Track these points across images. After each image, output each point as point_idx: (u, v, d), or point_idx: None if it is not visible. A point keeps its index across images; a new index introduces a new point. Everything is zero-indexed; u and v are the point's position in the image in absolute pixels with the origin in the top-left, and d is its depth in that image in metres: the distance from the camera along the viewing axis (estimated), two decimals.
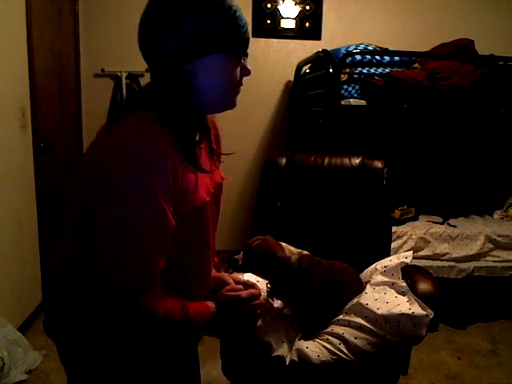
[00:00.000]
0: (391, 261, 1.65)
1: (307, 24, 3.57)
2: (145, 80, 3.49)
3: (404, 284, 1.49)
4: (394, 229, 2.56)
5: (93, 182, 0.86)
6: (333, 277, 1.54)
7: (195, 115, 0.98)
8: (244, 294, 1.06)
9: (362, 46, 2.85)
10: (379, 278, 1.61)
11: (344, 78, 2.74)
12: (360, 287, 1.60)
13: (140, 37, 0.94)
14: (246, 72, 1.00)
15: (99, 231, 0.85)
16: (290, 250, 1.48)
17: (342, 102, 2.66)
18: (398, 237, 2.72)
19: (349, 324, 1.45)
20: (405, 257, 1.60)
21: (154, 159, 0.82)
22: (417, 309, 1.38)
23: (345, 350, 1.40)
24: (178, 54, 0.89)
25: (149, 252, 0.84)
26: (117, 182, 0.82)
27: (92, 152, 0.94)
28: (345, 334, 1.43)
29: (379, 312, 1.41)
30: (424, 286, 1.58)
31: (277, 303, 1.69)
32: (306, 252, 1.54)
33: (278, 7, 3.50)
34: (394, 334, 1.37)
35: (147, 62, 0.95)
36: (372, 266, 1.73)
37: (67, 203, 1.06)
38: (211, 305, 0.99)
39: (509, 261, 2.76)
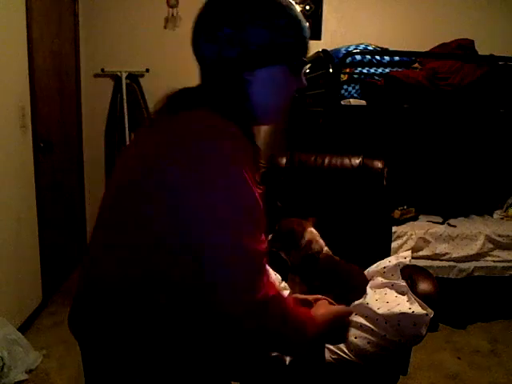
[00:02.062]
0: (390, 261, 1.66)
1: (307, 24, 3.56)
2: (145, 80, 3.50)
3: (404, 283, 1.49)
4: (394, 229, 2.56)
5: (186, 179, 0.78)
6: (341, 273, 1.57)
7: (250, 123, 0.91)
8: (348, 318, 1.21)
9: (361, 46, 2.85)
10: (379, 279, 1.62)
11: (344, 78, 2.74)
12: (364, 290, 1.61)
13: (196, 36, 0.90)
14: (301, 85, 0.93)
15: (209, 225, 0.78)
16: (316, 238, 1.59)
17: (342, 102, 2.66)
18: (398, 237, 2.72)
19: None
20: (404, 257, 1.60)
21: (244, 154, 0.81)
22: (417, 308, 1.38)
23: (345, 350, 1.40)
24: (238, 61, 0.84)
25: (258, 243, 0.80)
26: (220, 170, 0.77)
27: (156, 146, 0.84)
28: None
29: (379, 311, 1.41)
30: (424, 285, 1.58)
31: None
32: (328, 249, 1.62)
33: None
34: (394, 334, 1.37)
35: (200, 63, 0.92)
36: (372, 267, 1.73)
37: (114, 216, 0.93)
38: (319, 316, 1.05)
39: (509, 261, 2.76)
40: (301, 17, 0.88)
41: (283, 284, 1.73)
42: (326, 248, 1.60)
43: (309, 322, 0.95)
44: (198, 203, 0.77)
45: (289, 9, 0.86)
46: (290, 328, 0.87)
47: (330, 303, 1.26)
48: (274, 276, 1.79)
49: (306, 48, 0.89)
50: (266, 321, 0.82)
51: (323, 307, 1.16)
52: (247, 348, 0.93)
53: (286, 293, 1.73)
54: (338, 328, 1.14)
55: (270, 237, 1.55)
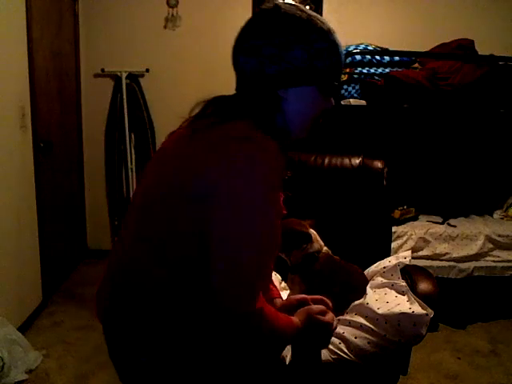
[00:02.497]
0: (390, 261, 1.66)
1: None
2: (145, 80, 3.50)
3: (404, 283, 1.49)
4: (394, 229, 2.56)
5: (218, 187, 0.82)
6: (341, 272, 1.58)
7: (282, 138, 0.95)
8: (330, 318, 1.19)
9: (362, 46, 2.86)
10: (379, 279, 1.62)
11: (344, 78, 2.74)
12: (364, 290, 1.61)
13: (238, 48, 0.93)
14: (329, 106, 0.98)
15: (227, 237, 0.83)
16: (316, 238, 1.59)
17: (342, 102, 2.66)
18: (398, 237, 2.72)
19: (349, 323, 1.45)
20: (403, 257, 1.60)
21: (277, 172, 0.87)
22: (417, 308, 1.38)
23: (345, 350, 1.40)
24: (276, 79, 0.90)
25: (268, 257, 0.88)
26: (253, 186, 0.82)
27: (190, 156, 0.89)
28: (345, 334, 1.43)
29: (379, 311, 1.41)
30: (424, 285, 1.58)
31: (277, 304, 1.69)
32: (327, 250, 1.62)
33: None
34: (394, 334, 1.37)
35: (238, 74, 0.96)
36: (372, 267, 1.73)
37: (142, 216, 1.00)
38: (296, 320, 1.08)
39: (509, 261, 2.76)
40: (340, 43, 0.93)
41: (283, 284, 1.74)
42: (325, 248, 1.60)
43: (288, 328, 1.03)
44: (219, 216, 0.82)
45: (330, 35, 0.92)
46: (272, 337, 0.97)
47: (327, 303, 1.28)
48: (274, 276, 1.79)
49: (339, 73, 0.95)
50: (253, 330, 0.91)
51: (303, 312, 1.17)
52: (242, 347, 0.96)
53: (286, 293, 1.74)
54: (316, 330, 1.16)
55: None
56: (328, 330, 1.17)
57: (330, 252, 1.63)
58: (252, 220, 0.82)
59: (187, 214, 0.86)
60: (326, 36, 0.90)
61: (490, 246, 2.76)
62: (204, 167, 0.84)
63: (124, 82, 3.43)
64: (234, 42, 0.94)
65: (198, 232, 0.85)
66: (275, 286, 1.35)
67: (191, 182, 0.86)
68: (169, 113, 3.61)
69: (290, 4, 0.94)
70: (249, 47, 0.90)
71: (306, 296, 1.28)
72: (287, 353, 1.42)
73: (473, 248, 2.73)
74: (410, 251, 1.67)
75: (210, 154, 0.85)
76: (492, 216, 3.14)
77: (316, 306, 1.20)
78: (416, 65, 2.90)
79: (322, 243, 1.62)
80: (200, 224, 0.84)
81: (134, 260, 0.93)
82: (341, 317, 1.51)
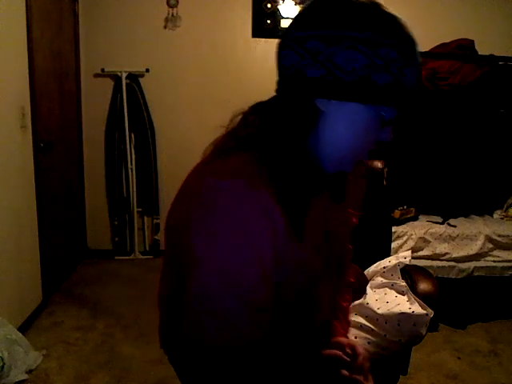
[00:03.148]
0: (390, 261, 1.66)
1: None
2: (145, 80, 3.50)
3: (404, 283, 1.50)
4: (393, 229, 2.56)
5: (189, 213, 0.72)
6: None
7: (311, 169, 0.74)
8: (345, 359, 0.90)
9: None
10: (379, 279, 1.62)
11: None
12: (364, 290, 1.61)
13: (282, 40, 0.73)
14: (387, 137, 0.74)
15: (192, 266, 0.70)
16: None
17: None
18: (398, 237, 2.72)
19: (349, 323, 1.45)
20: (403, 257, 1.60)
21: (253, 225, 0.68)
22: (417, 308, 1.38)
23: None
24: (316, 84, 0.67)
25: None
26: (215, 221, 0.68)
27: (195, 180, 0.80)
28: None
29: (379, 311, 1.41)
30: (424, 285, 1.58)
31: None
32: None
33: (278, 7, 3.50)
34: (395, 334, 1.37)
35: (281, 77, 0.76)
36: (372, 267, 1.73)
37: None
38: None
39: (509, 261, 2.76)
40: (418, 56, 0.68)
41: None
42: None
43: None
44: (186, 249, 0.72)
45: (406, 43, 0.67)
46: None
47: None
48: None
49: (407, 96, 0.68)
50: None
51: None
52: None
53: None
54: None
55: None
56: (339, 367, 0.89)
57: None
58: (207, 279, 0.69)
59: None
60: (400, 43, 0.66)
61: (490, 246, 2.76)
62: (177, 206, 0.78)
63: (124, 81, 3.43)
64: (282, 37, 0.74)
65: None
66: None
67: (170, 216, 0.81)
68: (169, 113, 3.61)
69: None
70: (293, 39, 0.69)
71: (342, 340, 0.96)
72: None
73: (473, 248, 2.73)
74: (410, 251, 1.67)
75: (186, 192, 0.77)
76: (492, 216, 3.14)
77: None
78: None
79: None
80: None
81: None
82: None
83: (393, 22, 0.67)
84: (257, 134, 0.74)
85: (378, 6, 0.68)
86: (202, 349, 0.71)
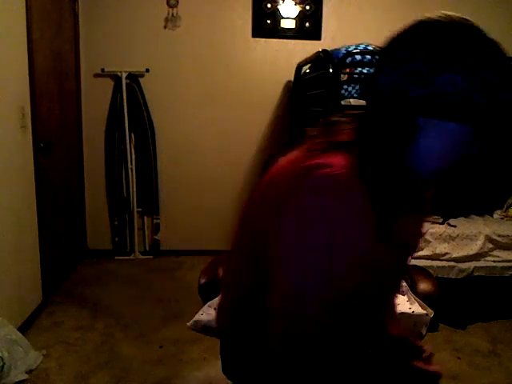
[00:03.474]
0: None
1: (307, 24, 3.57)
2: (145, 80, 3.50)
3: (404, 283, 1.50)
4: None
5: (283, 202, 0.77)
6: None
7: (407, 179, 0.81)
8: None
9: (361, 46, 2.85)
10: None
11: (344, 78, 2.74)
12: None
13: (380, 60, 0.79)
14: (473, 151, 0.78)
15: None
16: None
17: (342, 102, 2.65)
18: None
19: None
20: None
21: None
22: (417, 308, 1.38)
23: None
24: (419, 104, 0.71)
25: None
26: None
27: (284, 171, 0.83)
28: None
29: None
30: (424, 285, 1.58)
31: None
32: None
33: (278, 7, 3.50)
34: None
35: (375, 93, 0.78)
36: None
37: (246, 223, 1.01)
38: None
39: (509, 261, 2.76)
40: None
41: None
42: None
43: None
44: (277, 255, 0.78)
45: (506, 65, 0.71)
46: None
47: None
48: None
49: (502, 119, 0.72)
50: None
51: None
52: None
53: None
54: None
55: None
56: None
57: None
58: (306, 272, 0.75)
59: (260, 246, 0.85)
60: (500, 68, 0.71)
61: (490, 245, 2.76)
62: (273, 200, 0.81)
63: (124, 81, 3.43)
64: (378, 55, 0.80)
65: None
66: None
67: (258, 216, 0.86)
68: (169, 113, 3.61)
69: (463, 18, 0.77)
70: (394, 59, 0.74)
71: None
72: None
73: (473, 248, 2.73)
74: None
75: (291, 186, 0.78)
76: (492, 216, 3.14)
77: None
78: None
79: None
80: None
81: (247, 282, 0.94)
82: None
83: (494, 47, 0.73)
84: (356, 142, 0.78)
85: (480, 30, 0.75)
86: (300, 339, 0.77)
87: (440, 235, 2.75)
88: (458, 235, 2.76)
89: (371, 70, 2.79)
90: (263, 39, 3.56)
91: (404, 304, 1.41)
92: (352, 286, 0.78)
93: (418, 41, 0.73)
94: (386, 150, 0.76)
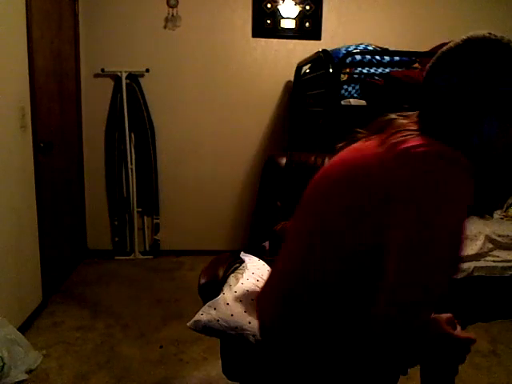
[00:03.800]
0: None
1: (307, 24, 3.57)
2: (145, 80, 3.50)
3: None
4: None
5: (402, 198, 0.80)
6: None
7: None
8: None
9: (361, 46, 2.85)
10: None
11: (344, 78, 2.74)
12: None
13: (440, 64, 0.91)
14: None
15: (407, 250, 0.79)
16: None
17: (342, 102, 2.66)
18: None
19: None
20: None
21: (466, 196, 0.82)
22: None
23: None
24: (478, 101, 0.86)
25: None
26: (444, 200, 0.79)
27: (370, 162, 0.88)
28: None
29: None
30: None
31: None
32: None
33: (278, 7, 3.50)
34: None
35: (430, 92, 0.91)
36: None
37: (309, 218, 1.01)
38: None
39: (509, 261, 2.76)
40: None
41: None
42: None
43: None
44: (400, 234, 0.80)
45: None
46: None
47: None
48: None
49: None
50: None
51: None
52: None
53: None
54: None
55: (267, 244, 1.56)
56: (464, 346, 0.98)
57: None
58: (437, 245, 0.80)
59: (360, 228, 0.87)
60: None
61: (490, 245, 2.76)
62: (389, 182, 0.83)
63: (124, 81, 3.43)
64: (440, 56, 0.92)
65: (370, 246, 0.85)
66: None
67: (372, 196, 0.85)
68: (169, 113, 3.62)
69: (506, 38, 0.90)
70: (452, 68, 0.88)
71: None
72: None
73: (473, 248, 2.73)
74: None
75: (398, 169, 0.82)
76: (492, 216, 3.14)
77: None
78: (416, 65, 2.89)
79: None
80: (373, 238, 0.85)
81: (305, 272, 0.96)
82: None
83: None
84: (427, 130, 0.88)
85: None
86: (407, 325, 0.82)
87: None
88: None
89: (371, 70, 2.79)
90: (263, 39, 3.56)
91: None
92: (456, 267, 0.88)
93: (470, 55, 0.87)
94: (455, 136, 0.87)
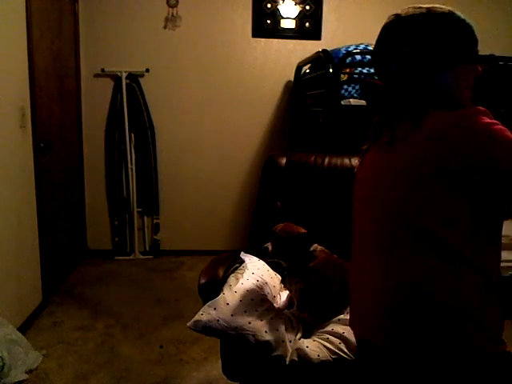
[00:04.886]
0: None
1: (307, 24, 3.57)
2: (145, 80, 3.50)
3: None
4: None
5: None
6: (340, 269, 1.59)
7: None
8: None
9: (361, 46, 2.85)
10: None
11: (344, 78, 2.74)
12: None
13: (441, 69, 1.03)
14: (478, 73, 1.06)
15: None
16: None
17: (342, 102, 2.65)
18: None
19: None
20: None
21: None
22: None
23: (345, 350, 1.40)
24: (437, 65, 1.03)
25: None
26: None
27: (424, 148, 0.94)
28: (345, 333, 1.43)
29: None
30: None
31: (279, 303, 1.70)
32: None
33: (278, 7, 3.50)
34: None
35: (435, 89, 1.03)
36: None
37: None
38: None
39: (509, 261, 2.75)
40: (467, 20, 1.10)
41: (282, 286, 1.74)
42: (315, 244, 1.63)
43: None
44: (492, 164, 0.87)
45: (455, 18, 1.07)
46: None
47: None
48: (275, 276, 1.79)
49: (476, 41, 1.08)
50: None
51: None
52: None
53: (285, 293, 1.74)
54: None
55: (269, 246, 1.55)
56: None
57: (324, 249, 1.64)
58: None
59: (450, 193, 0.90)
60: (457, 22, 1.07)
61: None
62: (455, 146, 0.89)
63: (124, 81, 3.43)
64: (382, 50, 1.11)
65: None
66: None
67: (448, 165, 0.90)
68: (169, 113, 3.62)
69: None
70: (448, 69, 1.03)
71: None
72: (287, 352, 1.42)
73: None
74: None
75: (454, 134, 0.90)
76: None
77: None
78: None
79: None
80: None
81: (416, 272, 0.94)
82: (341, 316, 1.51)
83: (453, 14, 1.11)
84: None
85: (444, 10, 1.12)
86: None
87: None
88: None
89: (371, 70, 2.79)
90: (263, 39, 3.56)
91: None
92: None
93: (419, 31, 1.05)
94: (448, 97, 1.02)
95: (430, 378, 0.94)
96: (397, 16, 1.11)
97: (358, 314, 1.08)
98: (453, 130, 0.91)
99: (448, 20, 1.05)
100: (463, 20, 1.09)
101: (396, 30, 1.09)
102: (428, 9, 1.05)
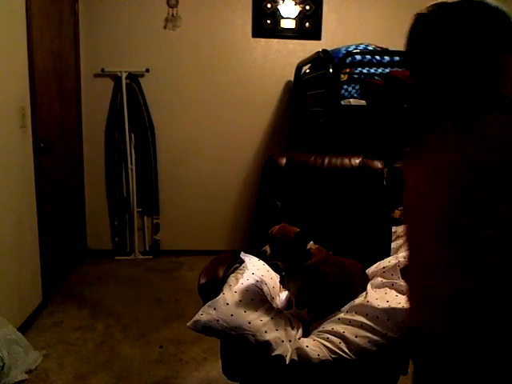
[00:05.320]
0: (390, 262, 1.66)
1: (307, 24, 3.57)
2: (145, 80, 3.50)
3: (403, 283, 1.50)
4: (393, 229, 2.55)
5: None
6: (333, 262, 1.59)
7: None
8: None
9: (361, 46, 2.85)
10: (379, 279, 1.62)
11: (344, 78, 2.74)
12: (364, 287, 1.61)
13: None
14: None
15: None
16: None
17: (342, 102, 2.66)
18: (398, 237, 2.70)
19: (349, 322, 1.45)
20: (403, 257, 1.60)
21: None
22: None
23: (345, 349, 1.40)
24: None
25: None
26: None
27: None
28: (345, 333, 1.43)
29: (380, 307, 1.41)
30: None
31: (278, 304, 1.70)
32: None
33: (278, 7, 3.50)
34: (396, 330, 1.37)
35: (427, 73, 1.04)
36: (372, 267, 1.73)
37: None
38: None
39: None
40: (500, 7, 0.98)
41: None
42: (311, 242, 1.63)
43: None
44: None
45: (489, 8, 0.97)
46: None
47: None
48: (275, 276, 1.79)
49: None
50: None
51: None
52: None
53: (284, 294, 1.74)
54: None
55: (267, 248, 1.55)
56: None
57: (319, 247, 1.65)
58: None
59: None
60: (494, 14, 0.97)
61: None
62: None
63: (124, 81, 3.43)
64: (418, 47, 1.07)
65: None
66: None
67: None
68: (169, 113, 3.61)
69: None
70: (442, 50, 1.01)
71: None
72: (287, 352, 1.42)
73: None
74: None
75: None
76: None
77: None
78: None
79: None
80: None
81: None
82: (341, 315, 1.52)
83: (489, 7, 0.98)
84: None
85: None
86: None
87: None
88: None
89: (371, 70, 2.79)
90: (263, 39, 3.56)
91: (404, 303, 1.41)
92: None
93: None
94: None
95: (496, 372, 0.90)
96: (425, 13, 1.08)
97: (423, 307, 1.05)
98: None
99: (484, 9, 0.98)
100: (496, 7, 1.00)
101: (431, 25, 1.07)
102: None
